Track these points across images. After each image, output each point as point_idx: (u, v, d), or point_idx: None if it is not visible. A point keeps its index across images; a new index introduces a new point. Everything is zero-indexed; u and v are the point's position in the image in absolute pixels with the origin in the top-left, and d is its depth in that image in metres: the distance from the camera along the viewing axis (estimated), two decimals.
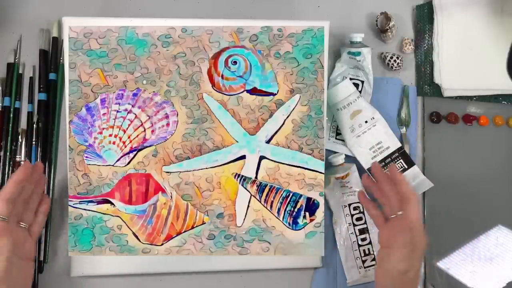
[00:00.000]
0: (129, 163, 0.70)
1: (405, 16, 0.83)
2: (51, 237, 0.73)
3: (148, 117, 0.70)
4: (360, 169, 0.75)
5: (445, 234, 0.77)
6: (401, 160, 0.75)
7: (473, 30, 0.81)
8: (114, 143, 0.70)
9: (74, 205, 0.69)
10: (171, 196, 0.70)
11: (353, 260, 0.74)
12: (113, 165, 0.70)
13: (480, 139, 0.80)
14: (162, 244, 0.70)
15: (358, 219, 0.75)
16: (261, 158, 0.71)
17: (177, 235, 0.70)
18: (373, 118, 0.75)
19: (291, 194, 0.71)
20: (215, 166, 0.70)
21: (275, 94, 0.71)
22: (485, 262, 0.76)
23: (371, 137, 0.75)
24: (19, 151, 0.73)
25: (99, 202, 0.69)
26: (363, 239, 0.74)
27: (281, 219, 0.71)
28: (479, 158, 0.80)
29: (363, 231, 0.75)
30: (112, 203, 0.69)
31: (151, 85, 0.70)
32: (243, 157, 0.71)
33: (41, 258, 0.72)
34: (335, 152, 0.76)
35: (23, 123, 0.75)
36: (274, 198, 0.70)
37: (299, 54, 0.71)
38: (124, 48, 0.70)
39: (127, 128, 0.70)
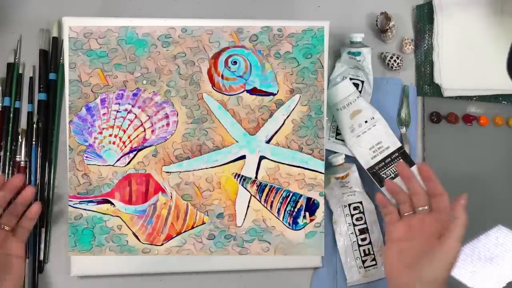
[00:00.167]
0: (129, 163, 0.70)
1: (405, 16, 0.83)
2: (51, 237, 0.73)
3: (148, 117, 0.70)
4: (360, 169, 0.75)
5: None
6: (401, 160, 0.75)
7: (473, 30, 0.81)
8: (114, 143, 0.70)
9: (74, 205, 0.69)
10: (171, 196, 0.70)
11: (353, 260, 0.74)
12: (113, 165, 0.70)
13: (480, 139, 0.80)
14: (162, 244, 0.70)
15: (358, 219, 0.75)
16: (261, 158, 0.71)
17: (177, 235, 0.70)
18: (373, 118, 0.75)
19: (291, 194, 0.71)
20: (215, 166, 0.70)
21: (275, 94, 0.71)
22: (485, 262, 0.76)
23: (371, 137, 0.75)
24: (19, 151, 0.73)
25: (99, 202, 0.69)
26: (363, 239, 0.75)
27: (281, 219, 0.71)
28: (479, 158, 0.80)
29: (363, 231, 0.75)
30: (112, 203, 0.69)
31: (151, 85, 0.70)
32: (243, 157, 0.71)
33: (41, 258, 0.72)
34: (335, 152, 0.76)
35: (23, 123, 0.75)
36: (274, 198, 0.70)
37: (299, 54, 0.71)
38: (124, 48, 0.70)
39: (127, 128, 0.70)
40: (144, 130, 0.70)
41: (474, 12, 0.81)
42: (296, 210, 0.71)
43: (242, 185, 0.70)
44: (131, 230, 0.69)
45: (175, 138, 0.70)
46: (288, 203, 0.71)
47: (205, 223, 0.70)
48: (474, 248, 0.77)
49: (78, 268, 0.71)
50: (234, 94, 0.71)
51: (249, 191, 0.70)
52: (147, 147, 0.70)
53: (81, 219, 0.69)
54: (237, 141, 0.71)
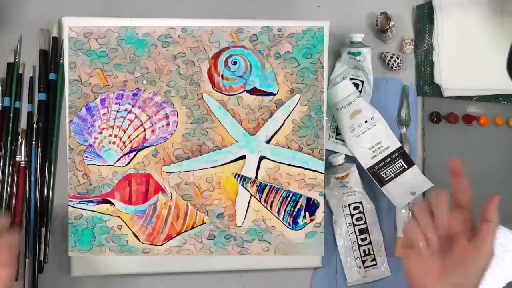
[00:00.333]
0: (129, 163, 0.70)
1: (405, 16, 0.83)
2: (51, 237, 0.73)
3: (148, 117, 0.70)
4: (360, 169, 0.75)
5: None
6: (401, 160, 0.75)
7: (473, 30, 0.81)
8: (114, 143, 0.70)
9: (74, 205, 0.69)
10: (171, 196, 0.70)
11: (353, 260, 0.74)
12: (113, 165, 0.70)
13: (480, 139, 0.80)
14: (162, 244, 0.70)
15: (358, 219, 0.75)
16: (261, 158, 0.71)
17: (177, 235, 0.70)
18: (373, 118, 0.75)
19: (291, 194, 0.71)
20: (215, 166, 0.70)
21: (275, 94, 0.71)
22: None
23: (371, 137, 0.75)
24: (19, 151, 0.73)
25: (99, 202, 0.69)
26: (363, 239, 0.75)
27: (281, 219, 0.71)
28: (479, 158, 0.80)
29: (363, 231, 0.75)
30: (112, 203, 0.69)
31: (151, 85, 0.70)
32: (243, 157, 0.71)
33: (41, 258, 0.72)
34: (335, 152, 0.76)
35: (23, 123, 0.75)
36: (274, 198, 0.70)
37: (299, 54, 0.71)
38: (124, 48, 0.70)
39: (127, 128, 0.70)
40: (144, 130, 0.70)
41: (474, 12, 0.81)
42: (296, 210, 0.71)
43: (242, 185, 0.70)
44: (131, 230, 0.69)
45: (175, 138, 0.70)
46: (288, 203, 0.71)
47: (205, 223, 0.70)
48: None
49: (78, 268, 0.71)
50: (234, 94, 0.71)
51: (249, 191, 0.70)
52: (147, 147, 0.70)
53: (81, 219, 0.69)
54: (237, 141, 0.71)
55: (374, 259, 0.74)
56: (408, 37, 0.81)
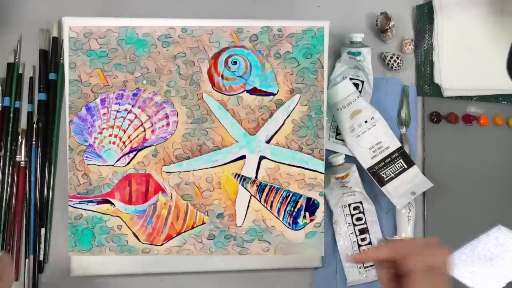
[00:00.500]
0: (129, 163, 0.70)
1: (405, 16, 0.83)
2: (51, 237, 0.73)
3: (148, 117, 0.70)
4: (360, 169, 0.75)
5: (445, 234, 0.77)
6: (401, 160, 0.75)
7: (473, 30, 0.81)
8: (114, 143, 0.70)
9: (74, 205, 0.69)
10: (171, 196, 0.70)
11: None
12: (113, 165, 0.70)
13: (480, 139, 0.80)
14: (162, 244, 0.70)
15: (358, 219, 0.75)
16: (261, 158, 0.71)
17: (177, 235, 0.70)
18: (373, 118, 0.75)
19: (291, 194, 0.71)
20: (215, 166, 0.70)
21: (275, 94, 0.71)
22: (485, 262, 0.76)
23: (371, 137, 0.75)
24: (19, 151, 0.73)
25: (99, 202, 0.69)
26: (363, 239, 0.75)
27: (281, 219, 0.71)
28: (479, 158, 0.80)
29: (363, 231, 0.75)
30: (112, 203, 0.69)
31: (151, 85, 0.70)
32: (243, 157, 0.71)
33: (41, 258, 0.72)
34: (335, 152, 0.76)
35: (23, 123, 0.75)
36: (274, 198, 0.70)
37: (299, 54, 0.71)
38: (124, 48, 0.70)
39: (127, 128, 0.70)
40: (144, 130, 0.70)
41: (474, 12, 0.81)
42: (296, 210, 0.71)
43: (242, 185, 0.70)
44: (131, 230, 0.69)
45: (175, 138, 0.70)
46: (288, 203, 0.71)
47: (205, 223, 0.70)
48: (474, 248, 0.77)
49: (78, 268, 0.72)
50: (234, 94, 0.71)
51: (249, 191, 0.71)
52: (147, 147, 0.70)
53: (81, 219, 0.69)
54: (237, 141, 0.71)
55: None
56: (408, 37, 0.81)
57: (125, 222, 0.69)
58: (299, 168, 0.71)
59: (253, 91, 0.71)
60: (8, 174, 0.73)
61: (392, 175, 0.74)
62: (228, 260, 0.73)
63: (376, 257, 0.55)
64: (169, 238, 0.70)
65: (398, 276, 0.53)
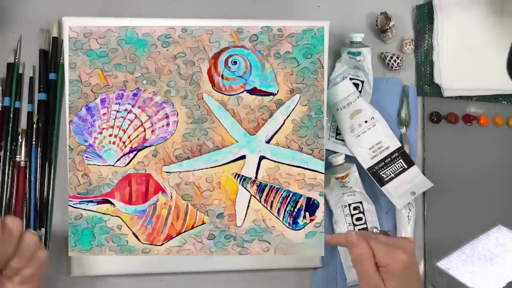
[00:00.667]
0: (129, 163, 0.70)
1: (405, 16, 0.83)
2: (51, 237, 0.73)
3: (148, 117, 0.70)
4: (360, 169, 0.75)
5: (445, 234, 0.77)
6: (401, 160, 0.75)
7: (473, 30, 0.81)
8: (114, 143, 0.70)
9: (74, 205, 0.69)
10: (171, 196, 0.70)
11: None
12: (113, 165, 0.70)
13: (480, 139, 0.80)
14: (162, 244, 0.70)
15: (358, 219, 0.75)
16: (261, 158, 0.71)
17: (177, 235, 0.70)
18: (373, 118, 0.75)
19: (291, 194, 0.71)
20: (215, 166, 0.70)
21: (275, 94, 0.71)
22: (485, 262, 0.76)
23: (371, 137, 0.75)
24: (19, 151, 0.73)
25: (99, 202, 0.69)
26: None
27: (281, 219, 0.71)
28: (479, 158, 0.80)
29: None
30: (112, 203, 0.69)
31: (151, 85, 0.70)
32: (243, 157, 0.71)
33: None
34: (335, 152, 0.76)
35: (23, 123, 0.75)
36: (274, 198, 0.70)
37: (299, 54, 0.71)
38: (124, 48, 0.70)
39: (127, 128, 0.70)
40: (144, 130, 0.70)
41: (474, 12, 0.81)
42: (296, 210, 0.71)
43: (242, 185, 0.70)
44: (131, 230, 0.69)
45: (175, 138, 0.70)
46: (288, 203, 0.71)
47: (205, 223, 0.70)
48: (474, 248, 0.77)
49: (78, 268, 0.72)
50: (234, 94, 0.71)
51: (249, 191, 0.71)
52: (147, 147, 0.70)
53: (81, 219, 0.69)
54: (237, 141, 0.71)
55: None
56: (408, 37, 0.81)
57: (125, 222, 0.69)
58: (299, 168, 0.71)
59: (253, 91, 0.71)
60: (8, 174, 0.73)
61: (392, 175, 0.74)
62: (228, 260, 0.73)
63: (336, 242, 0.64)
64: (169, 238, 0.70)
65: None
